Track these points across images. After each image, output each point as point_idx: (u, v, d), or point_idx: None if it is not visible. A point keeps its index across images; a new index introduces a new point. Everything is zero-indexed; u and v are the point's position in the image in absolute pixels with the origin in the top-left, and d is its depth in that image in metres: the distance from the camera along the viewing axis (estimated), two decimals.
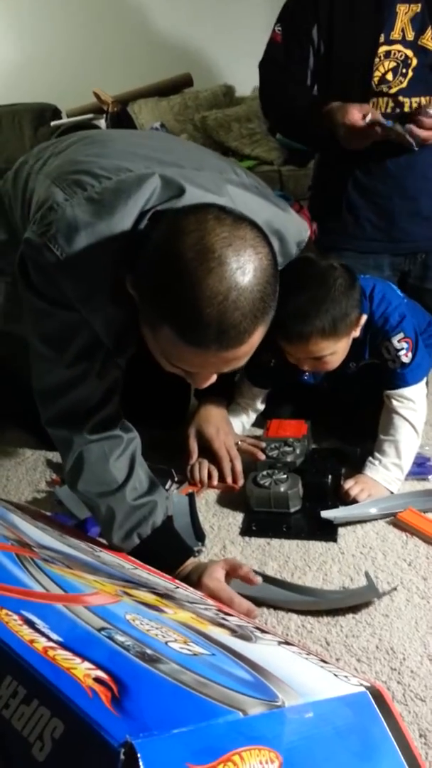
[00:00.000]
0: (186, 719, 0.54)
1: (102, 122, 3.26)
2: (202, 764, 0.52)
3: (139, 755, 0.48)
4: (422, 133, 1.38)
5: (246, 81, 3.50)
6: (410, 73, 1.40)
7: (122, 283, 0.93)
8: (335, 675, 0.75)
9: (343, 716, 0.68)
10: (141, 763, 0.47)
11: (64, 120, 3.39)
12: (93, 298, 0.97)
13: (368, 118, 1.35)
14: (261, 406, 1.50)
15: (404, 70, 1.40)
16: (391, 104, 1.44)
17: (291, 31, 1.47)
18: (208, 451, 1.37)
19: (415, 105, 1.43)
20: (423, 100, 1.43)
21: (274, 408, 1.50)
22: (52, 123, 3.38)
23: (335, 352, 1.24)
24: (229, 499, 1.33)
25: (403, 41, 1.38)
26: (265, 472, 1.29)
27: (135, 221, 0.93)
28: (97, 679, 0.55)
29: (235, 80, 3.53)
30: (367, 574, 1.06)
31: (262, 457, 1.35)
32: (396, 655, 0.94)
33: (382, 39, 1.38)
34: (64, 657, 0.57)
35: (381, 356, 1.29)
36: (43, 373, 1.08)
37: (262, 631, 0.86)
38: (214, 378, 0.95)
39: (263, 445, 1.38)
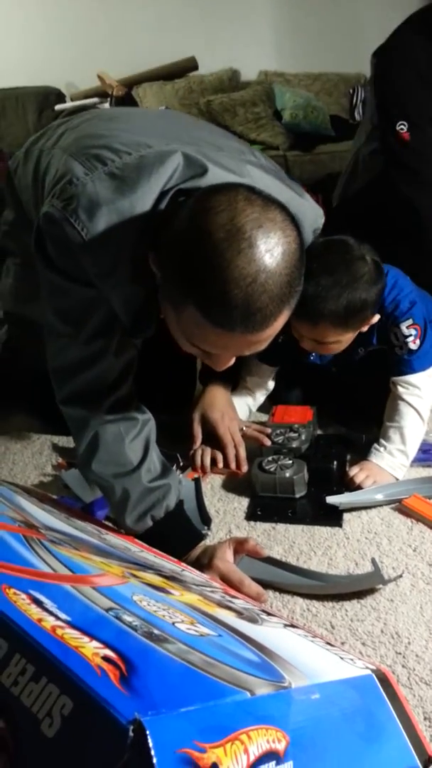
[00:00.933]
0: (193, 698, 0.54)
1: (106, 106, 3.24)
2: (210, 742, 0.52)
3: (147, 732, 0.48)
4: None
5: (251, 65, 3.47)
6: None
7: (142, 261, 0.92)
8: (341, 658, 0.75)
9: (349, 698, 0.68)
10: (150, 740, 0.47)
11: (68, 104, 3.37)
12: (112, 276, 0.96)
13: None
14: (270, 385, 1.48)
15: None
16: None
17: (419, 126, 1.38)
18: (212, 436, 1.37)
19: None
20: None
21: (280, 392, 1.49)
22: (56, 107, 3.35)
23: (339, 342, 1.23)
24: (234, 484, 1.33)
25: None
26: (270, 458, 1.28)
27: (156, 199, 0.92)
28: (105, 658, 0.55)
29: (241, 64, 3.50)
30: (373, 561, 1.06)
31: (268, 442, 1.35)
32: (401, 639, 0.94)
33: None
34: (72, 636, 0.57)
35: (389, 342, 1.29)
36: (59, 351, 1.06)
37: (268, 614, 0.86)
38: (232, 361, 0.94)
39: (268, 430, 1.37)
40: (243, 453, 1.35)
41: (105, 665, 0.54)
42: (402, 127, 1.37)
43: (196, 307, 0.82)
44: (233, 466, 1.34)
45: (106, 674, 0.53)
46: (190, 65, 3.47)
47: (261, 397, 1.49)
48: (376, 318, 1.25)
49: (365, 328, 1.26)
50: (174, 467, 1.32)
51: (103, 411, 1.06)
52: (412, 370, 1.27)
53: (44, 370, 1.11)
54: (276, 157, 3.12)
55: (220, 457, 1.35)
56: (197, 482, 1.27)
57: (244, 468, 1.34)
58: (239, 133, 3.21)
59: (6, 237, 1.34)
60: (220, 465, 1.35)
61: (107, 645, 0.57)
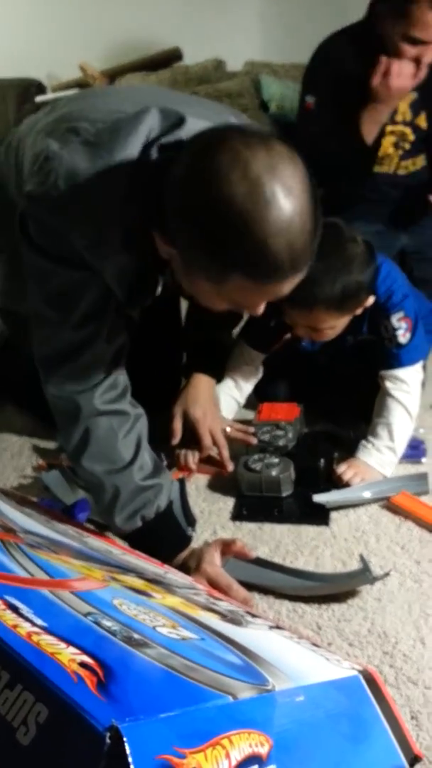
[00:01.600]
0: (173, 703, 0.53)
1: None
2: (191, 747, 0.51)
3: (125, 739, 0.47)
4: None
5: (237, 55, 3.43)
6: (407, 146, 1.74)
7: (133, 227, 0.90)
8: (327, 659, 0.74)
9: (334, 700, 0.67)
10: (127, 747, 0.46)
11: (49, 95, 3.31)
12: (103, 245, 0.94)
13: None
14: (260, 372, 1.45)
15: (403, 144, 1.74)
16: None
17: (324, 102, 1.68)
18: (193, 434, 1.35)
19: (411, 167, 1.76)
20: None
21: (268, 386, 1.48)
22: (37, 99, 3.29)
23: (334, 326, 1.22)
24: (219, 483, 1.31)
25: (404, 122, 1.71)
26: (256, 456, 1.27)
27: (140, 155, 0.90)
28: (82, 664, 0.54)
29: (226, 54, 3.46)
30: (362, 557, 1.05)
31: (254, 441, 1.34)
32: (388, 639, 0.93)
33: (387, 121, 1.67)
34: (48, 642, 0.56)
35: (379, 334, 1.28)
36: (47, 338, 1.04)
37: (253, 616, 0.85)
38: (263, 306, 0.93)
39: (252, 430, 1.36)
40: (226, 453, 1.33)
41: (82, 671, 0.53)
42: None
43: (243, 275, 0.81)
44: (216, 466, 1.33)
45: (82, 680, 0.51)
46: (175, 55, 3.43)
47: (248, 387, 1.45)
48: (371, 299, 1.24)
49: (359, 311, 1.25)
50: None
51: (95, 402, 1.03)
52: (400, 364, 1.26)
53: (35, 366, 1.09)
54: None
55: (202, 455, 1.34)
56: (181, 483, 1.25)
57: (229, 468, 1.33)
58: None
59: None
60: (203, 465, 1.33)
61: (84, 651, 0.56)
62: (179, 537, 1.08)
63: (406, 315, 1.26)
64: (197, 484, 1.32)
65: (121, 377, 1.07)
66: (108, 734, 0.47)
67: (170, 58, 3.44)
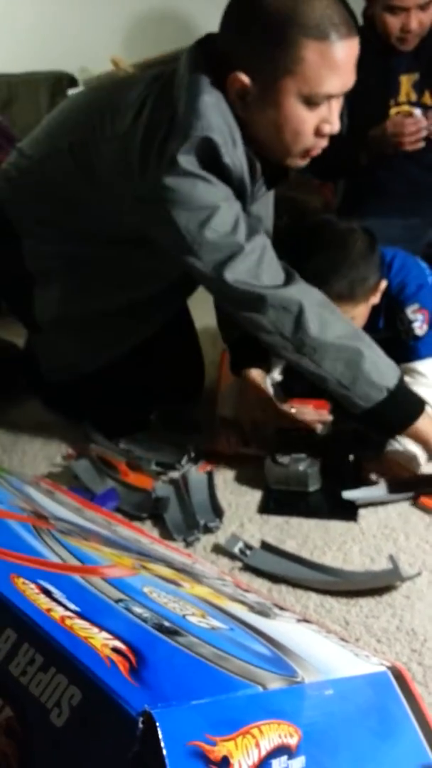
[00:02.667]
0: (205, 691, 0.53)
1: None
2: (221, 735, 0.51)
3: (157, 724, 0.47)
4: None
5: None
6: None
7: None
8: (356, 654, 0.74)
9: (363, 695, 0.67)
10: (159, 732, 0.47)
11: (81, 89, 3.33)
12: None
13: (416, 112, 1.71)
14: (278, 378, 1.46)
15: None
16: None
17: None
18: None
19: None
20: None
21: (294, 387, 1.47)
22: (69, 92, 3.31)
23: (354, 317, 1.21)
24: (247, 476, 1.31)
25: (409, 102, 1.76)
26: None
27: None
28: (114, 649, 0.54)
29: None
30: (391, 557, 1.04)
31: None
32: (417, 637, 0.92)
33: (392, 103, 1.75)
34: (81, 626, 0.56)
35: (395, 328, 1.26)
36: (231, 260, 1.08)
37: (281, 608, 0.85)
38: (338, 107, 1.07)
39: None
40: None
41: (114, 656, 0.53)
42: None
43: (311, 39, 0.98)
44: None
45: (115, 666, 0.52)
46: None
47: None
48: (384, 284, 1.23)
49: (377, 298, 1.23)
50: (185, 458, 1.31)
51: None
52: (418, 357, 1.24)
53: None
54: None
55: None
56: (210, 475, 1.26)
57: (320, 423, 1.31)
58: None
59: (36, 256, 1.29)
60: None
61: (117, 636, 0.57)
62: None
63: (422, 306, 1.24)
64: (225, 477, 1.32)
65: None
66: (141, 719, 0.47)
67: None
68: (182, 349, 1.43)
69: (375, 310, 1.25)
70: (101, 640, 0.55)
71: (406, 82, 1.73)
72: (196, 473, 1.26)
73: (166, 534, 1.13)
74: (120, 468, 1.25)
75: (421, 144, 1.68)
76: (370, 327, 1.28)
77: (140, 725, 0.47)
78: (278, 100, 1.03)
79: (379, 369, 1.10)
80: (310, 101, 1.03)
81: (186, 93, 1.05)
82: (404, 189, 1.80)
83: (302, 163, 1.15)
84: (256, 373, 1.36)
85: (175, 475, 1.28)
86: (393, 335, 1.27)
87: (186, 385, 1.48)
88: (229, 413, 1.35)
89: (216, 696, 0.54)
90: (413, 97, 1.75)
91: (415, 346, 1.24)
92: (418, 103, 1.75)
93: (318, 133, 1.08)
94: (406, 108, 1.75)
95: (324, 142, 1.11)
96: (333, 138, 1.80)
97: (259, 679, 0.58)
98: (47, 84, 3.39)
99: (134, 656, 0.55)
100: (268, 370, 1.39)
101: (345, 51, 1.00)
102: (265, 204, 1.29)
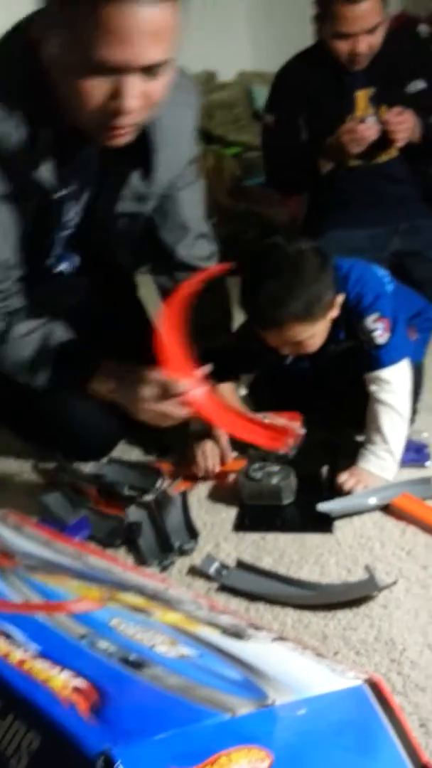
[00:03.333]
0: (169, 723, 0.53)
1: None
2: (187, 767, 0.50)
3: (118, 762, 0.46)
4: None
5: (228, 66, 3.42)
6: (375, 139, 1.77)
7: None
8: (331, 670, 0.73)
9: (338, 711, 0.67)
10: None
11: None
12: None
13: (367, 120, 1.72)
14: (243, 392, 1.46)
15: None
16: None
17: (282, 119, 1.86)
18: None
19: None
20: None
21: (263, 400, 1.47)
22: None
23: (313, 335, 1.22)
24: (221, 494, 1.30)
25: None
26: (257, 465, 1.26)
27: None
28: (76, 689, 0.54)
29: (217, 65, 3.46)
30: (367, 567, 1.04)
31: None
32: (395, 646, 0.92)
33: (349, 119, 1.76)
34: (40, 668, 0.56)
35: (358, 338, 1.27)
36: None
37: (256, 628, 0.84)
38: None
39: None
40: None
41: (75, 696, 0.52)
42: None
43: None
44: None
45: (74, 707, 0.51)
46: None
47: None
48: (341, 298, 1.24)
49: (335, 312, 1.24)
50: (159, 481, 1.30)
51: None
52: (381, 365, 1.25)
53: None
54: (256, 159, 3.11)
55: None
56: (184, 496, 1.25)
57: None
58: (218, 135, 3.18)
59: None
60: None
61: (79, 674, 0.56)
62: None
63: (381, 315, 1.25)
64: (199, 495, 1.31)
65: None
66: (101, 759, 0.46)
67: None
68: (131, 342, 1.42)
69: (335, 323, 1.26)
70: (61, 681, 0.54)
71: (362, 97, 1.77)
72: (169, 495, 1.26)
73: (141, 559, 1.13)
74: (91, 495, 1.24)
75: (363, 147, 1.71)
76: (332, 339, 1.28)
77: (100, 765, 0.46)
78: (65, 63, 0.89)
79: None
80: (93, 68, 0.87)
81: None
82: (367, 200, 1.83)
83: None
84: (226, 388, 1.36)
85: (148, 498, 1.27)
86: (356, 345, 1.28)
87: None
88: (199, 426, 1.34)
89: (181, 727, 0.53)
90: (370, 111, 1.78)
91: (377, 355, 1.25)
92: (376, 117, 1.77)
93: (112, 106, 0.91)
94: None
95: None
96: (294, 154, 1.86)
97: (227, 705, 0.57)
98: None
99: (97, 693, 0.54)
100: (237, 381, 1.40)
101: (127, 18, 0.83)
102: (190, 194, 1.25)
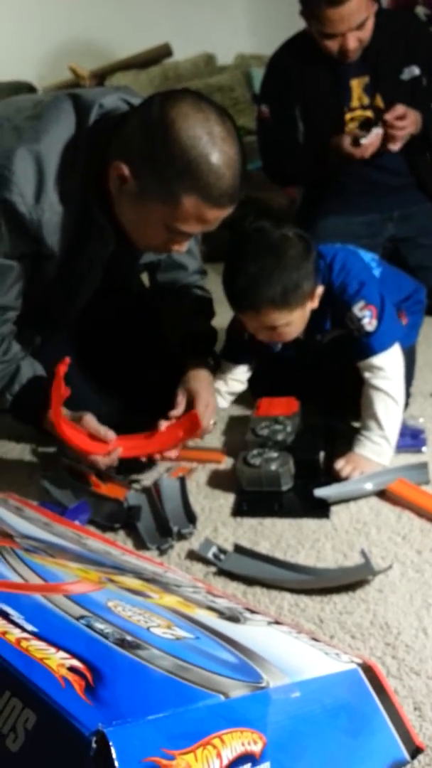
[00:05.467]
0: (163, 705, 0.53)
1: None
2: (180, 749, 0.51)
3: (111, 743, 0.47)
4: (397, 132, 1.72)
5: (227, 49, 3.40)
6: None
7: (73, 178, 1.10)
8: (326, 653, 0.74)
9: (332, 694, 0.67)
10: (113, 751, 0.46)
11: None
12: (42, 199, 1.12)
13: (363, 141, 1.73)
14: (241, 387, 1.47)
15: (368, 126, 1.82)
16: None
17: (277, 111, 1.86)
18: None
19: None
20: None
21: (260, 388, 1.48)
22: None
23: (289, 322, 1.21)
24: (219, 480, 1.31)
25: (361, 106, 1.79)
26: (255, 452, 1.27)
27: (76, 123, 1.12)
28: (71, 669, 0.54)
29: (216, 48, 3.44)
30: (363, 552, 1.04)
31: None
32: (390, 630, 0.93)
33: (345, 109, 1.78)
34: (37, 647, 0.56)
35: (347, 327, 1.27)
36: None
37: (252, 612, 0.85)
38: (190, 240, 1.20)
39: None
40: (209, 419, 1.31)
41: (70, 676, 0.53)
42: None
43: (197, 197, 1.03)
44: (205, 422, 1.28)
45: (70, 685, 0.52)
46: (164, 52, 3.40)
47: (230, 398, 1.48)
48: (320, 290, 1.24)
49: (315, 303, 1.24)
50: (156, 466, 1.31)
51: None
52: (373, 352, 1.24)
53: None
54: (255, 142, 3.10)
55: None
56: (182, 481, 1.26)
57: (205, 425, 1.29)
58: None
59: None
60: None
61: (74, 655, 0.56)
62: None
63: (368, 303, 1.24)
64: (198, 481, 1.32)
65: None
66: (94, 738, 0.47)
67: (160, 55, 3.42)
68: (155, 360, 1.44)
69: (320, 313, 1.26)
70: (57, 660, 0.55)
71: (357, 86, 1.75)
72: (168, 480, 1.26)
73: (140, 543, 1.13)
74: (91, 479, 1.25)
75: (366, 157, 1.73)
76: (317, 328, 1.28)
77: (93, 745, 0.47)
78: (144, 211, 1.09)
79: None
80: (169, 229, 1.09)
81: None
82: (362, 188, 1.84)
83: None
84: (202, 374, 1.34)
85: (147, 482, 1.28)
86: (345, 333, 1.27)
87: (158, 394, 1.47)
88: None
89: (175, 708, 0.54)
90: (365, 100, 1.77)
91: (368, 342, 1.25)
92: (371, 106, 1.77)
93: (165, 248, 1.17)
94: (359, 113, 1.77)
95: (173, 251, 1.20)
96: (292, 148, 1.87)
97: (221, 688, 0.58)
98: (6, 94, 3.37)
99: (91, 674, 0.54)
100: (214, 369, 1.39)
101: (216, 215, 1.08)
102: None
